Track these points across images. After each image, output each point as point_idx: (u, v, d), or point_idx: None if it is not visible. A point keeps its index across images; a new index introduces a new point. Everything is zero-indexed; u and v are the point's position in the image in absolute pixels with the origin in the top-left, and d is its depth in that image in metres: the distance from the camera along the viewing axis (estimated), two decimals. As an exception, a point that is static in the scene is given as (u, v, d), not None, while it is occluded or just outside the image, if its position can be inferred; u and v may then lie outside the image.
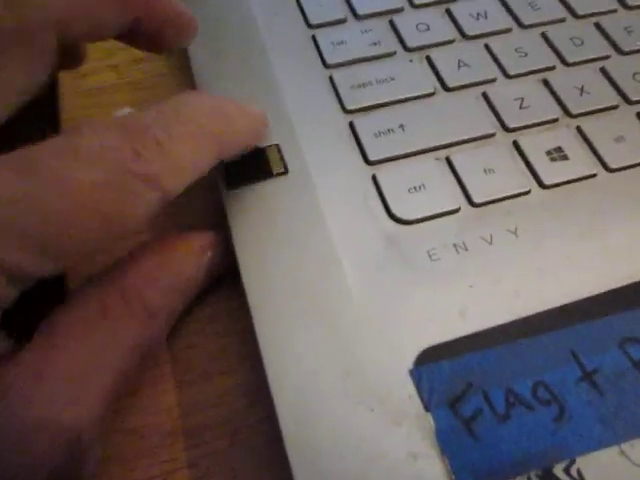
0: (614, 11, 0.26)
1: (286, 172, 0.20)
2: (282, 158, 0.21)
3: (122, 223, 0.15)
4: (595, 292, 0.18)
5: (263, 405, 0.19)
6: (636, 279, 0.18)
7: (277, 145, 0.21)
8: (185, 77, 0.25)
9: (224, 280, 0.21)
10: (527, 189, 0.20)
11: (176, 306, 0.18)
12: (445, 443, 0.16)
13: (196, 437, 0.19)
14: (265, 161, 0.20)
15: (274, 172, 0.20)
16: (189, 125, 0.17)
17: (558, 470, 0.15)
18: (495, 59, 0.24)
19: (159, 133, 0.16)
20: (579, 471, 0.15)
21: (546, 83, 0.23)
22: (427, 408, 0.16)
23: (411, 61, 0.24)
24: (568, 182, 0.20)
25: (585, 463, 0.16)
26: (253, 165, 0.20)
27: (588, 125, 0.22)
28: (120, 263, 0.18)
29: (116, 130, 0.16)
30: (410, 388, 0.17)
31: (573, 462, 0.16)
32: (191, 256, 0.19)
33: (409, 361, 0.17)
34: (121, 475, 0.18)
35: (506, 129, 0.22)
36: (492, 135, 0.22)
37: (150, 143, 0.16)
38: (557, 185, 0.20)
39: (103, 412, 0.16)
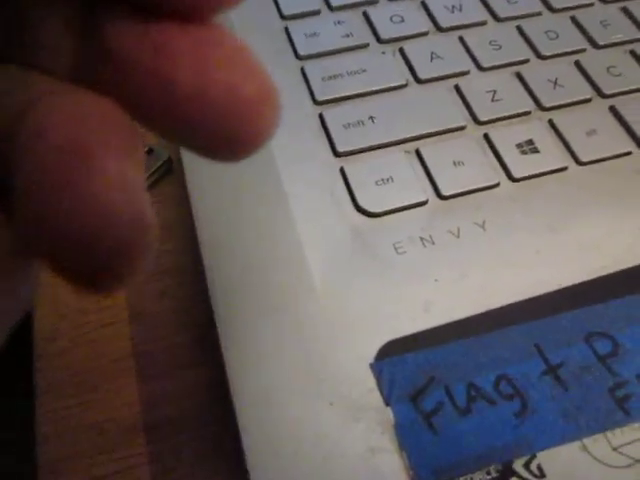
0: (591, 5, 0.25)
1: None
2: None
3: None
4: (563, 286, 0.18)
5: (228, 399, 0.19)
6: (604, 273, 0.18)
7: None
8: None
9: (190, 270, 0.20)
10: (496, 182, 0.20)
11: None
12: (404, 438, 0.16)
13: (158, 432, 0.19)
14: None
15: None
16: None
17: (518, 465, 0.15)
18: (469, 52, 0.23)
19: None
20: (539, 466, 0.15)
21: (519, 76, 0.23)
22: (387, 402, 0.16)
23: (383, 53, 0.23)
24: (538, 175, 0.20)
25: (546, 458, 0.15)
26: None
27: (560, 118, 0.22)
28: None
29: None
30: (371, 382, 0.16)
31: (534, 457, 0.15)
32: None
33: (371, 355, 0.17)
34: (79, 472, 0.18)
35: (477, 122, 0.21)
36: (463, 128, 0.21)
37: None
38: (527, 178, 0.20)
39: None
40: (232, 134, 0.08)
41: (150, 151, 0.23)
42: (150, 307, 0.21)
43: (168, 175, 0.24)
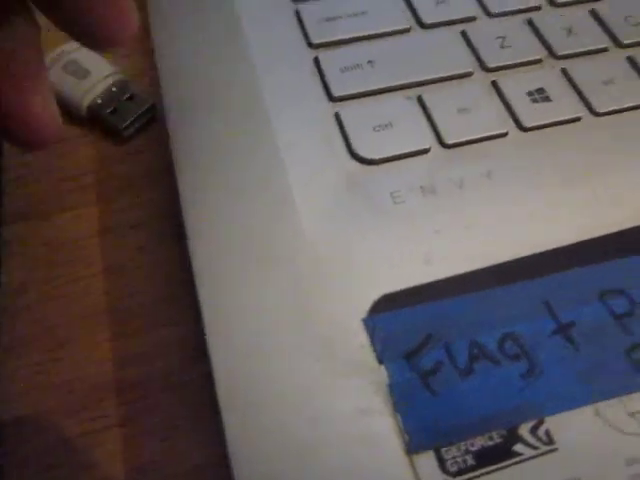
0: (608, -47, 0.24)
1: None
2: None
3: None
4: (576, 240, 0.16)
5: (206, 359, 0.17)
6: (622, 227, 0.17)
7: None
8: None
9: (171, 222, 0.19)
10: (504, 131, 0.18)
11: None
12: (398, 398, 0.14)
13: (130, 392, 0.17)
14: None
15: None
16: None
17: (524, 430, 0.14)
18: (477, -3, 0.22)
19: None
20: (548, 432, 0.14)
21: (530, 23, 0.21)
22: (380, 360, 0.14)
23: (385, -5, 0.22)
24: (550, 125, 0.19)
25: (555, 423, 0.14)
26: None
27: (574, 67, 0.20)
28: None
29: None
30: (363, 338, 0.15)
31: (542, 422, 0.14)
32: None
33: (364, 309, 0.15)
34: (47, 432, 0.16)
35: (485, 68, 0.20)
36: (469, 74, 0.20)
37: None
38: (537, 128, 0.18)
39: None
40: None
41: (131, 97, 0.22)
42: (126, 261, 0.19)
43: (152, 123, 0.22)
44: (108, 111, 0.21)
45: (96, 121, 0.22)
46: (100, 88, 0.22)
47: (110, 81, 0.22)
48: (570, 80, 0.20)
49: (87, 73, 0.21)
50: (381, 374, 0.14)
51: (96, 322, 0.18)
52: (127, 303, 0.18)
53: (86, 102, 0.21)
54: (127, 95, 0.22)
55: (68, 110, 0.21)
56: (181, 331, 0.18)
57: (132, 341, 0.18)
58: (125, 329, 0.18)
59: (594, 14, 0.22)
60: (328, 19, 0.21)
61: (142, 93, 0.22)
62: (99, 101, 0.21)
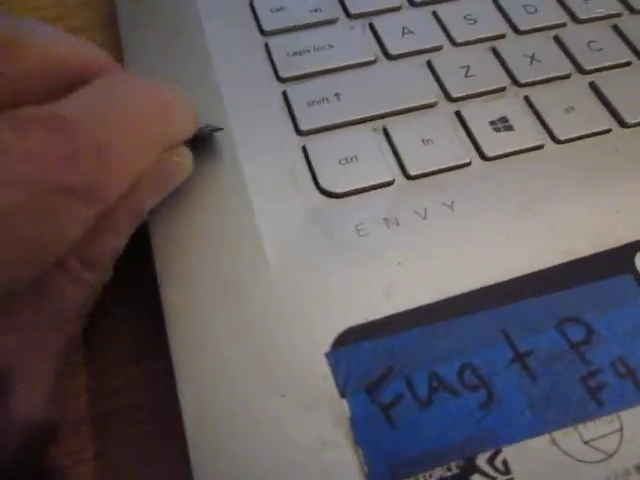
0: (572, -22, 0.24)
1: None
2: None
3: (56, 246, 0.13)
4: (534, 269, 0.17)
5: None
6: (578, 256, 0.17)
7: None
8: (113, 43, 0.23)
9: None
10: (467, 161, 0.19)
11: (122, 243, 0.16)
12: (360, 431, 0.14)
13: (105, 425, 0.17)
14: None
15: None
16: (129, 121, 0.14)
17: (481, 460, 0.14)
18: (442, 26, 0.22)
19: (97, 133, 0.13)
20: (505, 461, 0.14)
21: (495, 51, 0.22)
22: (342, 394, 0.15)
23: (352, 28, 0.22)
24: (512, 154, 0.19)
25: (512, 453, 0.14)
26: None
27: (537, 95, 0.20)
28: None
29: (40, 127, 0.12)
30: (326, 372, 0.15)
31: (499, 452, 0.14)
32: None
33: (327, 343, 0.16)
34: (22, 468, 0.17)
35: (449, 98, 0.20)
36: (434, 105, 0.20)
37: (87, 148, 0.13)
38: (499, 157, 0.19)
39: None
40: None
41: None
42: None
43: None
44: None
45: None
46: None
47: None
48: (533, 108, 0.20)
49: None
50: (343, 407, 0.15)
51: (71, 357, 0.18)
52: (102, 338, 0.19)
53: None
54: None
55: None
56: (154, 364, 0.18)
57: (106, 374, 0.18)
58: (98, 363, 0.18)
59: (557, 40, 0.22)
60: (296, 53, 0.21)
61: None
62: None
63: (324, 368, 0.15)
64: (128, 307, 0.19)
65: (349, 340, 0.16)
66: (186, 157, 0.17)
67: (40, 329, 0.14)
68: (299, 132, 0.19)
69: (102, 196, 0.13)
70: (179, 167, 0.17)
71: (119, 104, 0.14)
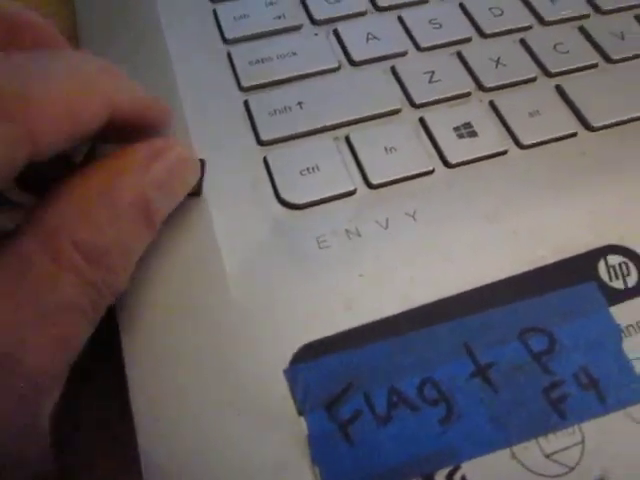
0: (538, -21, 0.24)
1: (198, 194, 0.18)
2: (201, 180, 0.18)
3: None
4: (498, 278, 0.17)
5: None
6: (543, 264, 0.17)
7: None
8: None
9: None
10: (430, 168, 0.19)
11: (128, 239, 0.14)
12: (317, 450, 0.14)
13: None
14: None
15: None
16: (72, 68, 0.13)
17: (440, 477, 0.14)
18: (407, 31, 0.22)
19: (29, 68, 0.12)
20: (464, 477, 0.14)
21: (460, 56, 0.21)
22: (301, 411, 0.15)
23: (316, 35, 0.22)
24: (475, 160, 0.19)
25: (471, 468, 0.14)
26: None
27: (502, 99, 0.20)
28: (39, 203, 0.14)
29: None
30: (284, 389, 0.15)
31: (458, 467, 0.14)
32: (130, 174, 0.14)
33: (285, 359, 0.15)
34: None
35: (413, 105, 0.20)
36: (397, 112, 0.20)
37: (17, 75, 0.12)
38: (463, 164, 0.19)
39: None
40: None
41: None
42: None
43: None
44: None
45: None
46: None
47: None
48: (497, 113, 0.20)
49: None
50: (301, 425, 0.15)
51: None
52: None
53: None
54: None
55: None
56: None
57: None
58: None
59: (523, 43, 0.22)
60: (259, 61, 0.21)
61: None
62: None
63: (282, 386, 0.15)
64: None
65: (308, 356, 0.15)
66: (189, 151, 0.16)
67: (22, 328, 0.12)
68: (260, 142, 0.19)
69: (36, 137, 0.12)
70: (184, 163, 0.16)
71: (63, 56, 0.14)
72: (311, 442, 0.14)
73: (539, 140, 0.19)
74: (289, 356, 0.15)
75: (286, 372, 0.15)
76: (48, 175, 0.14)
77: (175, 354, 0.15)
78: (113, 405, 0.17)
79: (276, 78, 0.20)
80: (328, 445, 0.14)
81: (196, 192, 0.17)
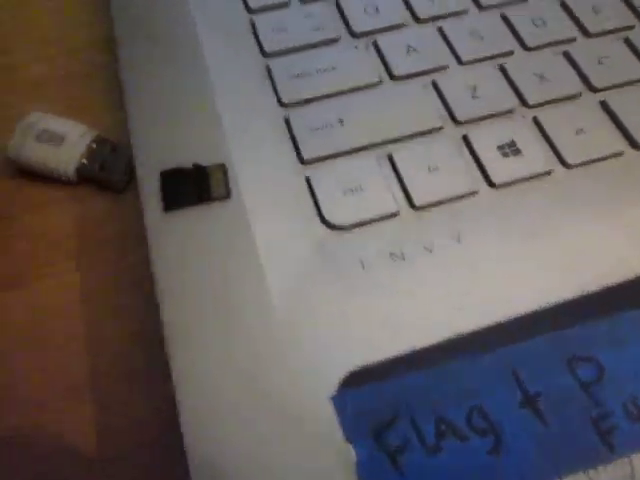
0: (582, -11, 0.23)
1: (228, 196, 0.18)
2: (226, 181, 0.18)
3: None
4: (545, 304, 0.16)
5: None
6: (590, 289, 0.17)
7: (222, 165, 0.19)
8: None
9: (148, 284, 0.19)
10: (474, 189, 0.18)
11: None
12: (365, 478, 0.14)
13: (112, 465, 0.17)
14: (206, 185, 0.18)
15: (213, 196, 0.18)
16: None
17: (490, 509, 0.14)
18: (448, 44, 0.22)
19: None
20: (513, 510, 0.14)
21: (503, 70, 0.21)
22: (348, 438, 0.15)
23: (356, 47, 0.22)
24: (520, 181, 0.19)
25: (521, 501, 0.14)
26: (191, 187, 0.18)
27: (546, 116, 0.20)
28: None
29: None
30: (331, 417, 0.15)
31: (507, 500, 0.14)
32: None
33: (332, 385, 0.15)
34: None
35: (455, 122, 0.20)
36: (440, 129, 0.20)
37: None
38: (507, 184, 0.18)
39: None
40: None
41: (114, 149, 0.22)
42: (109, 331, 0.19)
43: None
44: (97, 168, 0.22)
45: (86, 181, 0.22)
46: (80, 149, 0.22)
47: (87, 139, 0.22)
48: (542, 130, 0.20)
49: (62, 138, 0.22)
50: (349, 453, 0.15)
51: (80, 392, 0.18)
52: (110, 371, 0.19)
53: (73, 166, 0.21)
54: (108, 148, 0.22)
55: (58, 178, 0.22)
56: (158, 401, 0.18)
57: (116, 413, 0.18)
58: (109, 399, 0.18)
59: (567, 56, 0.21)
60: (298, 75, 0.21)
61: (121, 143, 0.22)
62: (84, 161, 0.22)
63: (329, 412, 0.15)
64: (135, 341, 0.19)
65: (354, 382, 0.15)
66: None
67: None
68: (302, 161, 0.19)
69: None
70: None
71: None
72: (359, 470, 0.14)
73: (585, 159, 0.19)
74: (335, 382, 0.15)
75: (333, 399, 0.15)
76: None
77: (221, 381, 0.15)
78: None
79: (316, 94, 0.20)
80: (377, 474, 0.14)
81: (224, 195, 0.18)
